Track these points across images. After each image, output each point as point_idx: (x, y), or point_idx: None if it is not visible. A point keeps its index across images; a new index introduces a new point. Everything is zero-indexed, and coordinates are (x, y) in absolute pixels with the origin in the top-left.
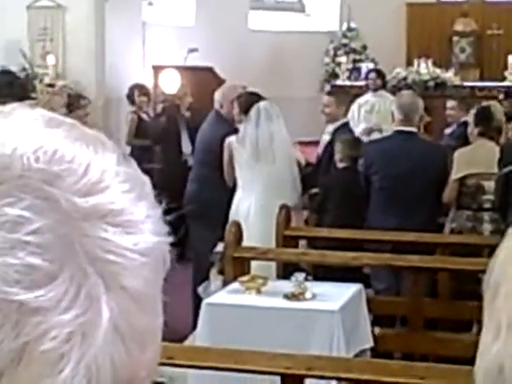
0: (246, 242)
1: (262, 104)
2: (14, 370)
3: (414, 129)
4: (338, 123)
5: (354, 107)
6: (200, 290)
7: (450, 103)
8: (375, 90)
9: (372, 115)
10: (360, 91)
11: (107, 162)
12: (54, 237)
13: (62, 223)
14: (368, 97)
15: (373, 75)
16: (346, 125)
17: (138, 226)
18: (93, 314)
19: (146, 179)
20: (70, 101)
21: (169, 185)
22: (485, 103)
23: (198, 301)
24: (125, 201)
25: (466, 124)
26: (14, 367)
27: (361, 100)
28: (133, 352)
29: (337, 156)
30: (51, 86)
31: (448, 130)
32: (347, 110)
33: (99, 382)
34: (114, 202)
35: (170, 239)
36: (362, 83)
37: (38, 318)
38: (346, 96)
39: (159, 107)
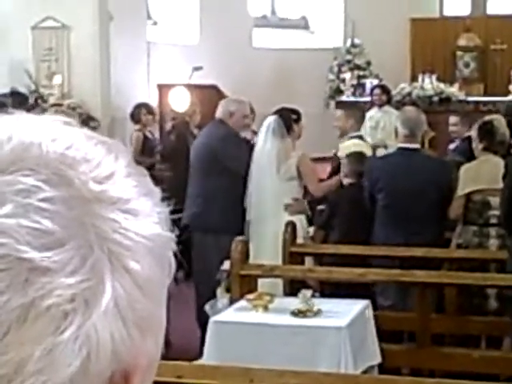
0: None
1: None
2: (20, 326)
3: (417, 145)
4: (350, 136)
5: None
6: (207, 307)
7: (453, 119)
8: (380, 105)
9: (377, 131)
10: (365, 107)
11: (119, 163)
12: (66, 209)
13: (74, 199)
14: (373, 112)
15: (378, 91)
16: (356, 138)
17: (146, 216)
18: (96, 284)
19: (156, 188)
20: (81, 122)
21: (177, 199)
22: (488, 117)
23: (204, 319)
24: (133, 193)
25: (469, 139)
26: (20, 324)
27: (366, 116)
28: (134, 336)
29: (342, 172)
30: (59, 105)
31: (452, 146)
32: (359, 124)
33: (99, 356)
34: (124, 191)
35: (174, 237)
36: (367, 99)
37: (45, 278)
38: (355, 109)
39: (168, 125)
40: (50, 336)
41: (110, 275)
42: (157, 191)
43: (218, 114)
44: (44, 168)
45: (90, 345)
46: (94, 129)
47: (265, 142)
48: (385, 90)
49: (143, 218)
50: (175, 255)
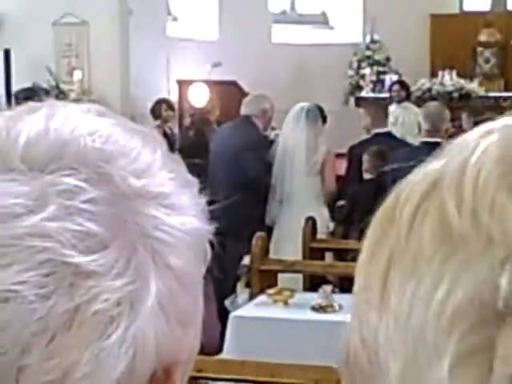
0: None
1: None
2: (66, 332)
3: (441, 139)
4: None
5: None
6: (227, 303)
7: (463, 115)
8: (399, 101)
9: (397, 127)
10: (385, 103)
11: (156, 153)
12: (108, 208)
13: (115, 197)
14: (392, 108)
15: (396, 87)
16: (379, 135)
17: (185, 209)
18: (141, 285)
19: (191, 176)
20: None
21: None
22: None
23: (224, 314)
24: (172, 186)
25: None
26: (66, 329)
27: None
28: (176, 331)
29: (364, 167)
30: (79, 101)
31: None
32: (381, 120)
33: (144, 356)
34: (163, 185)
35: (212, 230)
36: (386, 95)
37: (90, 282)
38: (375, 105)
39: (187, 121)
40: (97, 341)
41: (153, 274)
42: (194, 181)
43: (249, 111)
44: (84, 166)
45: (135, 346)
46: None
47: (296, 124)
48: (404, 85)
49: (183, 212)
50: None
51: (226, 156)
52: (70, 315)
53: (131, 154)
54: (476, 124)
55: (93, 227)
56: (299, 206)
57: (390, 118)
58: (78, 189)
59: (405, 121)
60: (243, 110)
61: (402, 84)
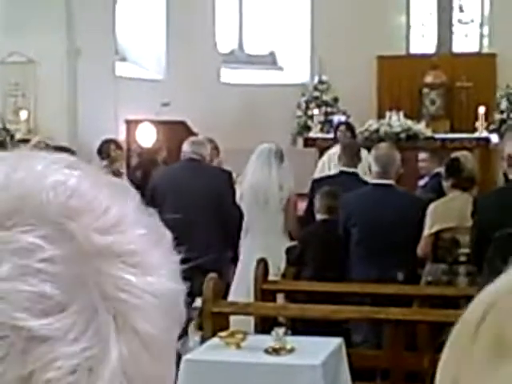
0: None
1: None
2: None
3: (391, 181)
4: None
5: (324, 159)
6: (178, 346)
7: (422, 155)
8: None
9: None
10: (329, 144)
11: (127, 207)
12: (67, 268)
13: (76, 256)
14: (337, 149)
15: (342, 128)
16: (321, 180)
17: (154, 269)
18: (100, 350)
19: (166, 231)
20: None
21: None
22: (456, 154)
23: (176, 357)
24: (142, 244)
25: (438, 175)
26: None
27: (330, 152)
28: None
29: (315, 207)
30: (26, 141)
31: (421, 182)
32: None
33: None
34: (131, 243)
35: (186, 289)
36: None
37: (44, 347)
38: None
39: (134, 161)
40: None
41: (115, 339)
42: (167, 237)
43: (198, 154)
44: (44, 222)
45: None
46: None
47: (269, 166)
48: (349, 127)
49: (152, 272)
50: None
51: (203, 196)
52: (22, 383)
53: (98, 210)
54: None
55: (48, 289)
56: (269, 240)
57: (335, 160)
58: (35, 247)
59: None
60: (193, 153)
61: (347, 125)
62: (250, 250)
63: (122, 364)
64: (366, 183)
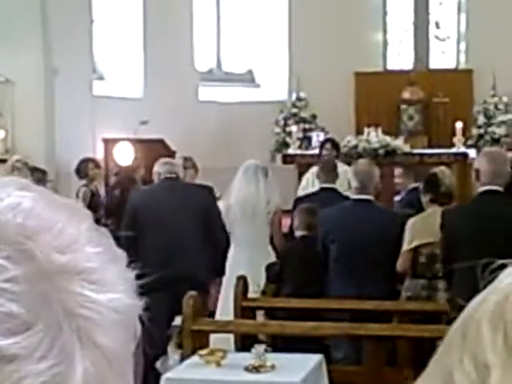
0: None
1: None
2: None
3: (370, 197)
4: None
5: (308, 176)
6: (158, 364)
7: (397, 171)
8: None
9: None
10: (312, 160)
11: (81, 226)
12: (30, 287)
13: (38, 275)
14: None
15: (328, 145)
16: (303, 198)
17: (112, 285)
18: (67, 367)
19: (118, 248)
20: (36, 176)
21: None
22: (434, 169)
23: (156, 375)
24: (98, 261)
25: (415, 190)
26: None
27: (314, 169)
28: None
29: (294, 224)
30: (2, 161)
31: (397, 197)
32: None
33: None
34: (89, 260)
35: (142, 305)
36: (313, 152)
37: (12, 366)
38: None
39: (112, 180)
40: None
41: (80, 354)
42: (122, 255)
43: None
44: (4, 243)
45: None
46: (49, 182)
47: (256, 181)
48: (334, 144)
49: (110, 288)
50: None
51: (189, 214)
52: None
53: (54, 229)
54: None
55: (14, 308)
56: (254, 254)
57: None
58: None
59: None
60: (169, 173)
61: (333, 143)
62: (235, 266)
63: (86, 379)
64: (346, 198)
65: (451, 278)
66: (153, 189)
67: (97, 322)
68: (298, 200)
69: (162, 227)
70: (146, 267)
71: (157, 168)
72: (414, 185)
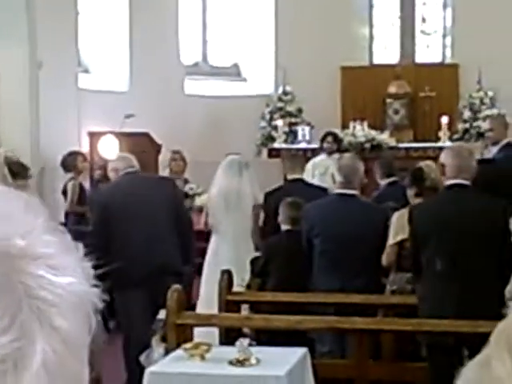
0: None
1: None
2: None
3: (354, 191)
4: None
5: (309, 167)
6: (142, 358)
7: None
8: (330, 153)
9: (326, 177)
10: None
11: (37, 217)
12: None
13: (1, 256)
14: (322, 158)
15: (330, 139)
16: (292, 181)
17: (71, 270)
18: (27, 344)
19: (77, 243)
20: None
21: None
22: (420, 163)
23: (140, 369)
24: (56, 248)
25: (393, 184)
26: None
27: (315, 160)
28: None
29: (279, 218)
30: None
31: (375, 193)
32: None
33: None
34: (47, 246)
35: (99, 293)
36: (300, 146)
37: None
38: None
39: (97, 173)
40: None
41: (40, 335)
42: (79, 246)
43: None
44: None
45: None
46: (29, 177)
47: (240, 176)
48: (336, 138)
49: (69, 273)
50: (107, 305)
51: (160, 205)
52: None
53: (13, 218)
54: (388, 176)
55: None
56: (237, 247)
57: (320, 169)
58: None
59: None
60: (129, 167)
61: (335, 136)
62: (217, 259)
63: (44, 360)
64: (314, 186)
65: (419, 272)
66: (118, 184)
67: (56, 305)
68: (267, 194)
69: (137, 221)
70: (122, 263)
71: (114, 164)
72: (391, 179)
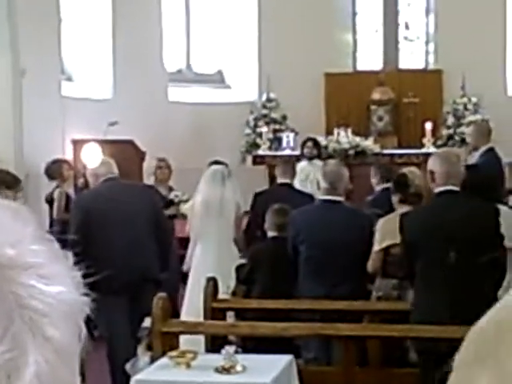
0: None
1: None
2: None
3: (339, 197)
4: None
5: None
6: (128, 366)
7: (372, 170)
8: (310, 158)
9: (307, 183)
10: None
11: (27, 228)
12: None
13: None
14: (303, 165)
15: (310, 144)
16: (281, 185)
17: (60, 279)
18: (20, 355)
19: (66, 252)
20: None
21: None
22: (404, 169)
23: (125, 378)
24: (45, 258)
25: (387, 190)
26: None
27: (296, 168)
28: None
29: (265, 225)
30: None
31: (370, 197)
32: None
33: None
34: (37, 256)
35: (88, 302)
36: (283, 153)
37: None
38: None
39: (80, 181)
40: None
41: (32, 345)
42: (68, 255)
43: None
44: None
45: None
46: (21, 190)
47: (223, 185)
48: (316, 143)
49: (59, 283)
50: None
51: (141, 211)
52: None
53: (3, 226)
54: (387, 181)
55: None
56: (221, 254)
57: (301, 175)
58: None
59: (315, 178)
60: (110, 173)
61: (314, 142)
62: (201, 266)
63: (37, 371)
64: (300, 192)
65: (412, 279)
66: (99, 190)
67: (47, 314)
68: (257, 194)
69: (117, 227)
70: (102, 269)
71: (93, 170)
72: (385, 185)
